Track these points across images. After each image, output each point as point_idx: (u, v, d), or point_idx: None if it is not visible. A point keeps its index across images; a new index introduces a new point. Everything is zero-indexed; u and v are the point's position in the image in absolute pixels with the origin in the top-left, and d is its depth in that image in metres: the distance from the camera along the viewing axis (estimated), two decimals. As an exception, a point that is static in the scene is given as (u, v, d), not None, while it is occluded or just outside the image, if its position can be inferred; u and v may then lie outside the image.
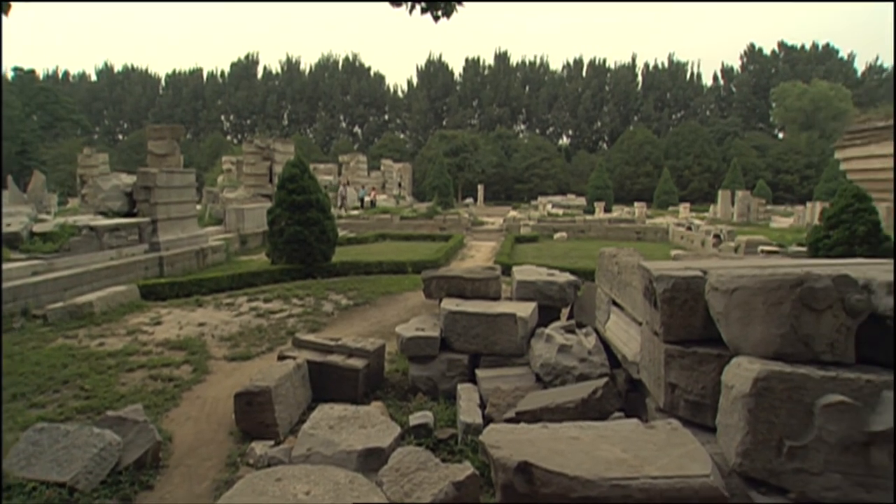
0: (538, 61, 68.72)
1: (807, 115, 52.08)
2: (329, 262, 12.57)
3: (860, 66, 63.16)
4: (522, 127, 68.25)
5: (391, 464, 3.52)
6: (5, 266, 8.88)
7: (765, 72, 64.28)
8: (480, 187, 43.27)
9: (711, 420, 3.33)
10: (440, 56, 67.82)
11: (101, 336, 7.67)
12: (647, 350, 4.07)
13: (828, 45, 64.27)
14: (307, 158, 14.97)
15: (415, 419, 4.75)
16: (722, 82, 67.34)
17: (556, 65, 73.89)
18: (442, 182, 35.22)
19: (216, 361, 6.82)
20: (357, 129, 70.09)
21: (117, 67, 72.52)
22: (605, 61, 66.54)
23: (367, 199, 32.62)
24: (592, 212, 32.34)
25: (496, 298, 6.39)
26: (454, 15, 6.72)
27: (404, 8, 6.46)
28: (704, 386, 3.46)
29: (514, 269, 7.13)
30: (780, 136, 58.95)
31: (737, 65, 67.12)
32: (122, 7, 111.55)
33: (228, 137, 64.73)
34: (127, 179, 13.55)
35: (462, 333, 5.76)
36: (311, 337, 6.38)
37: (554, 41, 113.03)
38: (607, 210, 33.38)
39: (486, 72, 67.48)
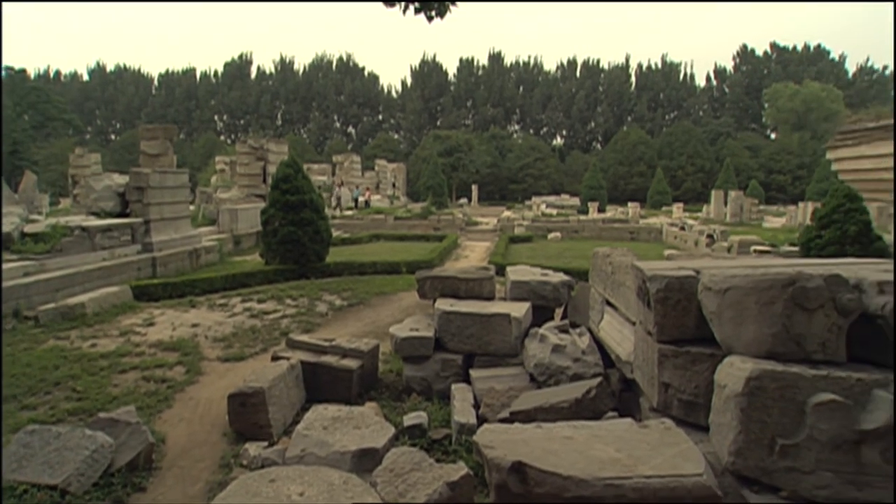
0: (532, 62, 68.84)
1: (799, 116, 52.42)
2: (323, 263, 12.55)
3: (851, 68, 63.66)
4: (516, 127, 68.32)
5: (385, 464, 3.51)
6: (-4, 267, 8.81)
7: (757, 72, 64.64)
8: (475, 187, 43.28)
9: (705, 419, 3.34)
10: (434, 56, 67.86)
11: (94, 337, 7.62)
12: (640, 350, 4.08)
13: (819, 46, 64.70)
14: (301, 158, 14.94)
15: (409, 419, 4.74)
16: (715, 83, 67.65)
17: (549, 65, 74.18)
18: (436, 182, 35.22)
19: (209, 362, 6.79)
20: (351, 130, 69.97)
21: (109, 67, 72.15)
22: (598, 62, 66.76)
23: (361, 199, 32.57)
24: (586, 212, 32.42)
25: (490, 298, 6.39)
26: (448, 15, 6.72)
27: (398, 8, 6.46)
28: (697, 385, 3.47)
29: (509, 269, 7.13)
30: (773, 136, 59.26)
31: (729, 65, 67.51)
32: (115, 7, 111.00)
33: (222, 137, 64.47)
34: (119, 180, 13.47)
35: (456, 333, 5.76)
36: (304, 337, 6.37)
37: (548, 41, 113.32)
38: (601, 210, 33.47)
39: (481, 72, 67.51)
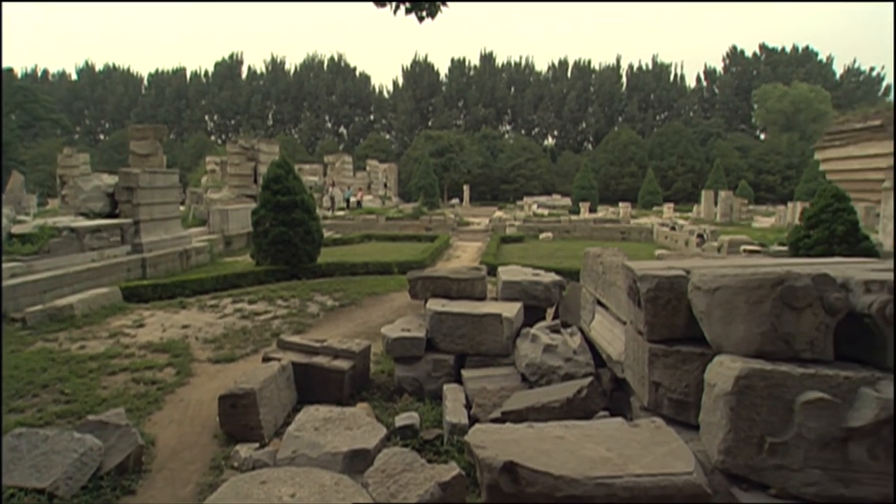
0: (523, 62, 68.99)
1: (787, 117, 52.88)
2: (314, 263, 12.51)
3: (838, 69, 64.30)
4: (508, 127, 68.43)
5: (377, 465, 3.51)
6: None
7: (747, 73, 65.12)
8: (466, 188, 43.31)
9: (695, 418, 3.36)
10: (426, 56, 67.80)
11: (82, 339, 7.55)
12: (631, 349, 4.10)
13: (807, 47, 65.28)
14: (292, 159, 14.87)
15: (400, 420, 4.74)
16: (705, 84, 68.08)
17: (541, 66, 74.30)
18: (428, 182, 35.24)
19: (200, 364, 6.75)
20: (342, 130, 69.80)
21: (98, 66, 71.50)
22: (589, 62, 66.97)
23: (353, 199, 32.51)
24: (577, 212, 32.52)
25: (482, 299, 6.40)
26: (439, 15, 6.72)
27: (389, 8, 6.45)
28: (688, 384, 3.49)
29: (500, 269, 7.14)
30: (762, 137, 59.75)
31: (719, 66, 67.95)
32: (104, 6, 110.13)
33: (212, 137, 64.11)
34: (108, 180, 13.37)
35: (448, 334, 5.76)
36: (296, 338, 6.35)
37: (539, 42, 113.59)
38: (592, 210, 33.59)
39: (472, 72, 67.55)
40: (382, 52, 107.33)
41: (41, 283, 9.45)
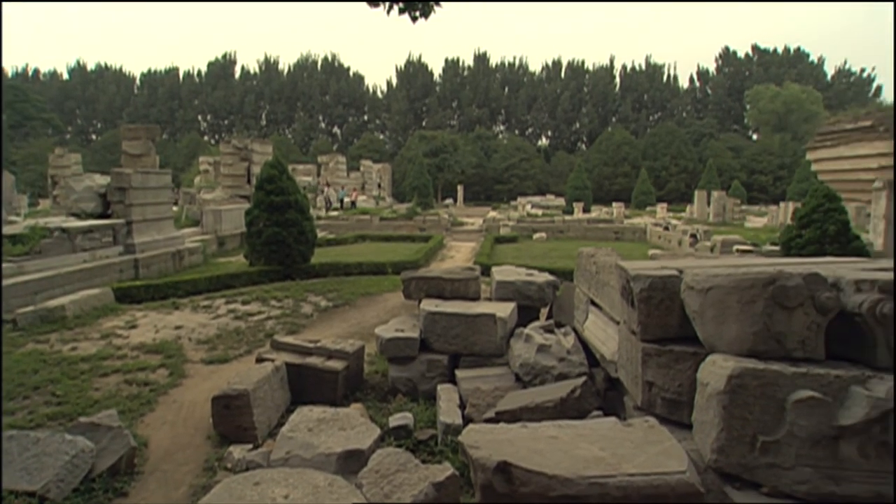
0: (517, 62, 69.13)
1: (779, 118, 53.24)
2: (308, 264, 12.48)
3: (829, 70, 64.78)
4: (502, 128, 68.54)
5: (371, 465, 3.50)
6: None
7: (739, 74, 65.50)
8: (460, 188, 43.37)
9: (688, 417, 3.38)
10: (420, 57, 67.86)
11: (74, 340, 7.50)
12: (624, 349, 4.11)
13: (799, 48, 65.75)
14: (286, 159, 14.86)
15: (394, 420, 4.73)
16: (698, 84, 68.43)
17: (535, 66, 74.35)
18: (422, 183, 35.25)
19: (193, 365, 6.72)
20: (336, 130, 69.68)
21: (90, 66, 71.09)
22: (583, 63, 67.20)
23: (347, 199, 32.46)
24: (571, 212, 32.60)
25: (475, 299, 6.40)
26: (432, 16, 6.71)
27: (382, 8, 6.44)
28: (681, 384, 3.51)
29: (494, 269, 7.14)
30: (755, 137, 60.12)
31: (712, 67, 68.35)
32: (95, 5, 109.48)
33: (206, 138, 63.88)
34: (100, 180, 13.28)
35: (442, 334, 5.76)
36: (289, 339, 6.33)
37: (533, 42, 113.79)
38: (586, 210, 33.67)
39: (466, 72, 67.62)
40: (376, 52, 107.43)
41: (32, 285, 9.37)
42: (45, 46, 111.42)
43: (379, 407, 5.38)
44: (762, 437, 2.91)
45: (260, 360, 5.78)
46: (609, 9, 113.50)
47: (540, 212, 32.42)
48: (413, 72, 67.08)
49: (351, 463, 3.88)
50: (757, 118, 56.12)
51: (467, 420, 4.48)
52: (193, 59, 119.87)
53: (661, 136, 52.28)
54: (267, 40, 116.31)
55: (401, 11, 6.41)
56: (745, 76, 64.87)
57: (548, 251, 17.57)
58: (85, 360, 6.69)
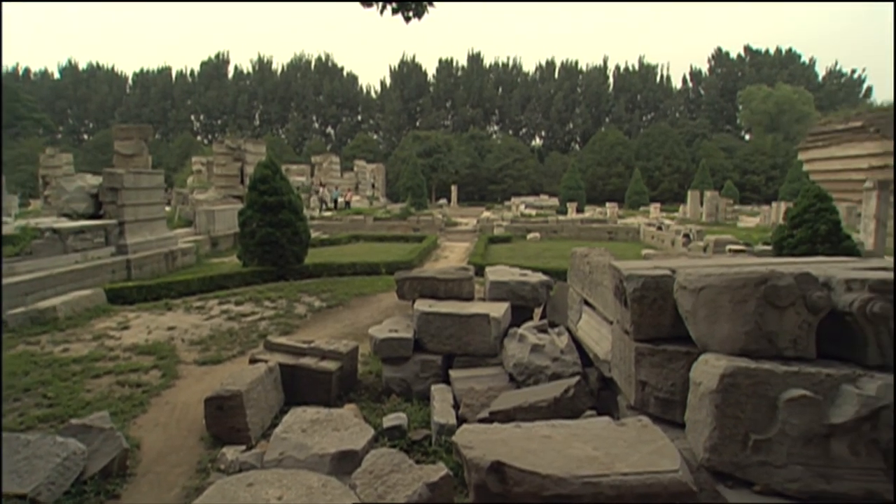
0: (511, 63, 69.22)
1: (771, 118, 53.57)
2: (301, 264, 12.44)
3: (821, 71, 65.25)
4: (496, 128, 68.61)
5: (365, 466, 3.50)
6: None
7: (731, 75, 65.86)
8: (454, 188, 43.34)
9: (681, 416, 3.39)
10: (413, 57, 67.84)
11: (66, 342, 7.45)
12: (618, 348, 4.12)
13: (790, 49, 66.20)
14: (279, 159, 14.82)
15: (388, 421, 4.73)
16: (691, 85, 68.75)
17: (528, 66, 74.41)
18: (415, 183, 35.21)
19: (186, 366, 6.69)
20: (330, 130, 69.54)
21: (82, 65, 70.60)
22: (576, 63, 67.37)
23: (341, 200, 32.40)
24: (565, 212, 32.67)
25: (469, 299, 6.40)
26: (426, 16, 6.72)
27: (375, 8, 6.44)
28: (674, 383, 3.52)
29: (488, 269, 7.14)
30: (747, 137, 60.45)
31: (705, 68, 68.68)
32: (87, 4, 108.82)
33: (199, 138, 63.59)
34: (92, 180, 13.20)
35: (435, 334, 5.76)
36: (283, 340, 6.31)
37: (526, 43, 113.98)
38: (580, 210, 33.77)
39: (460, 73, 67.65)
40: (370, 52, 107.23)
41: (23, 286, 9.31)
42: (36, 45, 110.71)
43: (373, 407, 5.37)
44: (754, 436, 2.93)
45: (253, 360, 5.76)
46: (602, 10, 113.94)
47: (534, 212, 32.47)
48: (407, 72, 67.06)
49: (345, 464, 3.88)
50: (749, 118, 56.46)
51: (461, 420, 4.48)
52: (186, 59, 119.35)
53: (655, 137, 52.46)
54: (260, 40, 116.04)
55: (394, 12, 6.42)
56: (737, 77, 65.26)
57: (541, 251, 17.61)
58: (77, 361, 6.65)
